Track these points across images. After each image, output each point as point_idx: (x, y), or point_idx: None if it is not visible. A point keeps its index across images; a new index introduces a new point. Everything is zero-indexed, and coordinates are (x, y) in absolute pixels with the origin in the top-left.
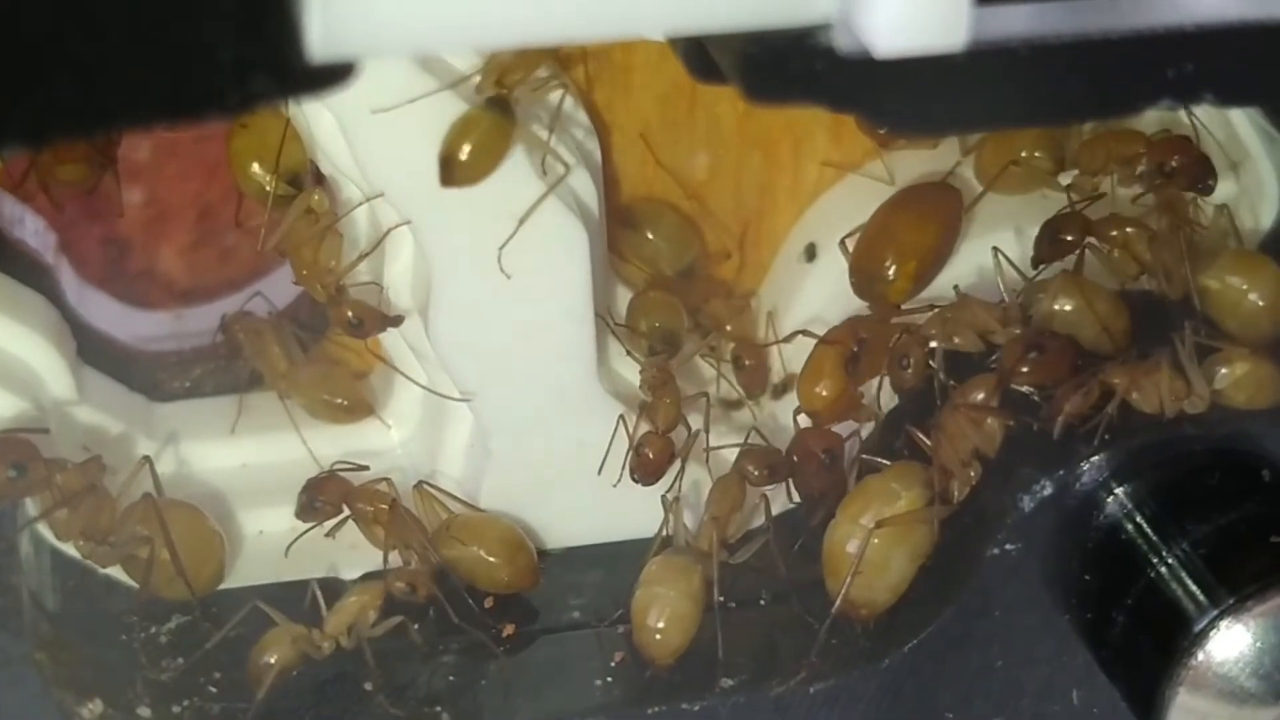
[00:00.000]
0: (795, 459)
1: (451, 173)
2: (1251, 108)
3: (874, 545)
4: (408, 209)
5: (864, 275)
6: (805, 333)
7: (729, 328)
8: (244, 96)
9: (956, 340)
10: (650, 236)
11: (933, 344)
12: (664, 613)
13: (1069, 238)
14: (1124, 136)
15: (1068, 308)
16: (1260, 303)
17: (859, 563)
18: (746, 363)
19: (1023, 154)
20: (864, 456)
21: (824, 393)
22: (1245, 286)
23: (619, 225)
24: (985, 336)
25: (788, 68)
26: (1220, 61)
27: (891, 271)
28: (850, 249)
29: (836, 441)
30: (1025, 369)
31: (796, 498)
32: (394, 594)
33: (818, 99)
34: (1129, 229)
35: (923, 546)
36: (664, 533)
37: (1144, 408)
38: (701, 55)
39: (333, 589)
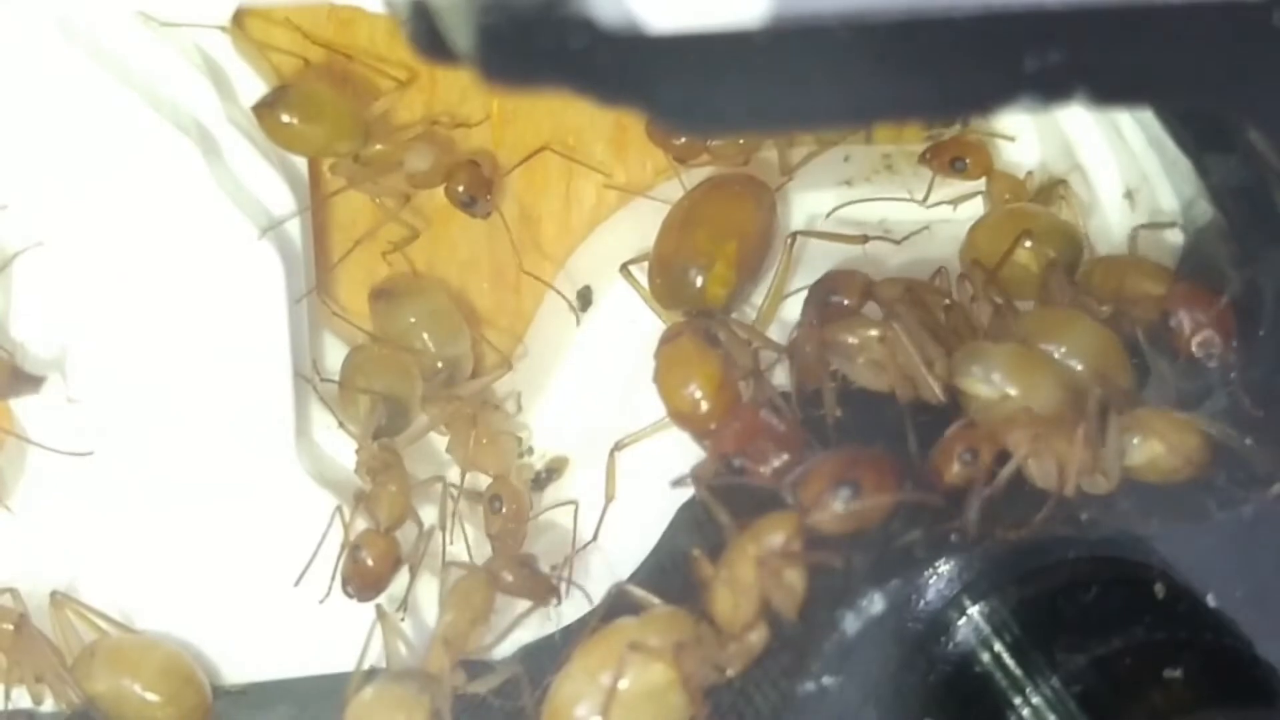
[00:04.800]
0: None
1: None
2: (1138, 110)
3: (614, 713)
4: (41, 224)
5: (670, 274)
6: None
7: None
8: None
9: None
10: (413, 320)
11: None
12: None
13: (846, 300)
14: (1145, 270)
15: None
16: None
17: None
18: (501, 507)
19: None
20: (625, 587)
21: (696, 393)
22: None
23: (375, 298)
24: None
25: (534, 43)
26: (1095, 49)
27: (707, 261)
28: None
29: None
30: (837, 510)
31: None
32: None
33: (574, 83)
34: (870, 334)
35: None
36: (374, 654)
37: (1036, 479)
38: (429, 26)
39: None
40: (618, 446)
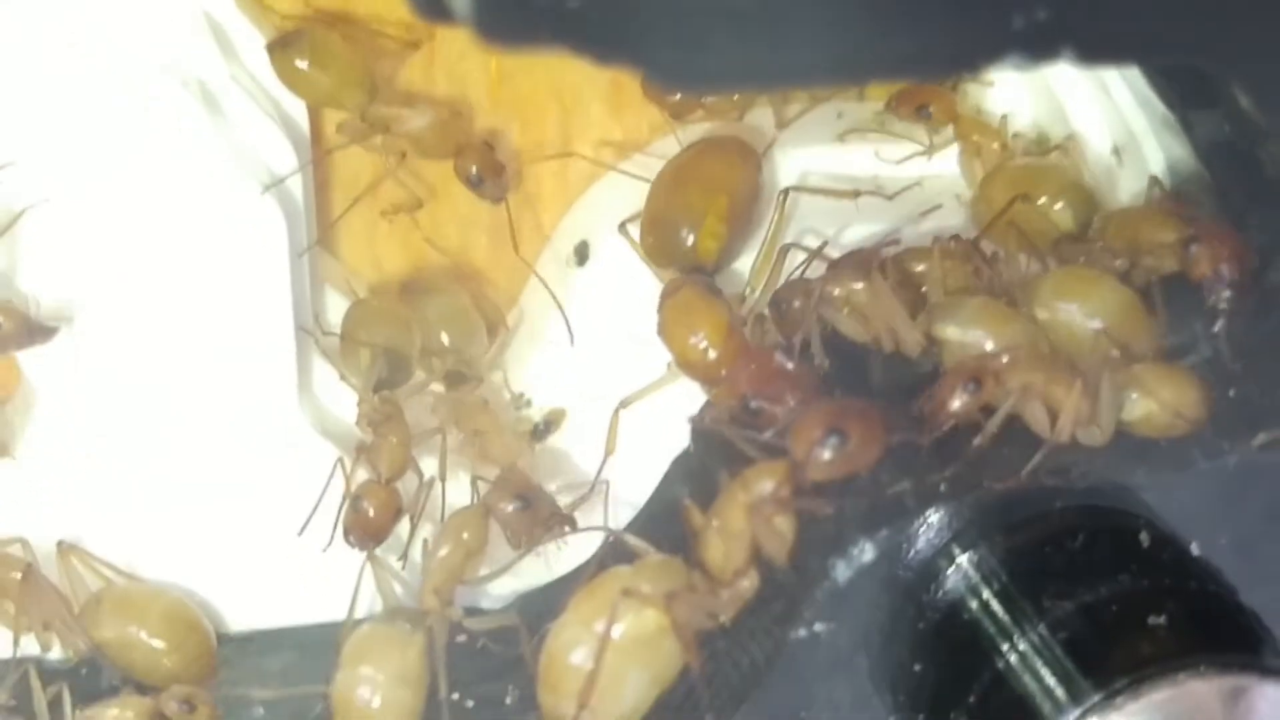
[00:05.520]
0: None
1: None
2: (1124, 68)
3: (608, 659)
4: (45, 182)
5: (662, 230)
6: None
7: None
8: None
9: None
10: (433, 317)
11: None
12: (371, 701)
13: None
14: (1159, 219)
15: None
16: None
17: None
18: (512, 506)
19: (1041, 200)
20: (620, 535)
21: (703, 342)
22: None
23: (401, 289)
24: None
25: (531, 2)
26: (1082, 7)
27: (698, 216)
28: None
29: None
30: (826, 459)
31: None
32: (166, 716)
33: (569, 41)
34: (855, 287)
35: (668, 668)
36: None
37: (1031, 423)
38: None
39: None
40: (623, 404)
